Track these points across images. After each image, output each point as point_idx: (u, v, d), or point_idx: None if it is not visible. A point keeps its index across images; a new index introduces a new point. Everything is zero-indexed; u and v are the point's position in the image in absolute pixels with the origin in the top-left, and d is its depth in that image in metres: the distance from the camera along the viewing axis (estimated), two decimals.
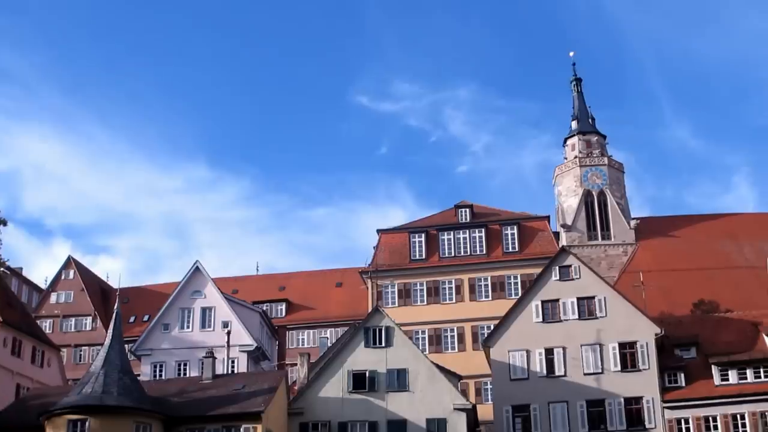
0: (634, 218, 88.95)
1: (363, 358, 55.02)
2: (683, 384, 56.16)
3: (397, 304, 70.75)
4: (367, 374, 54.53)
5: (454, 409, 53.28)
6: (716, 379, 55.90)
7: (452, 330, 69.85)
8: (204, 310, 69.37)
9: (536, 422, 56.64)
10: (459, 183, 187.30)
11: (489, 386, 62.72)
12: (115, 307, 52.05)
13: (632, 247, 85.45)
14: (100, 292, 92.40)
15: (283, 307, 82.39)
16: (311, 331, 79.83)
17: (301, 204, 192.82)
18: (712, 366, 56.24)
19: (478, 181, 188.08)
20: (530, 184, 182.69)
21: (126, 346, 58.35)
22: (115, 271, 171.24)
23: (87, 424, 46.67)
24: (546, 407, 56.69)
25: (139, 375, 60.47)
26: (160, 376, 66.67)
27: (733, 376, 55.70)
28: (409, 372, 54.44)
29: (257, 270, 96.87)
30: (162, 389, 54.12)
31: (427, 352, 63.43)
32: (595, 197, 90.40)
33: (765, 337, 58.03)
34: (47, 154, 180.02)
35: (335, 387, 54.56)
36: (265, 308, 78.08)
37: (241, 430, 48.79)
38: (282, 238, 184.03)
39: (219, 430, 49.15)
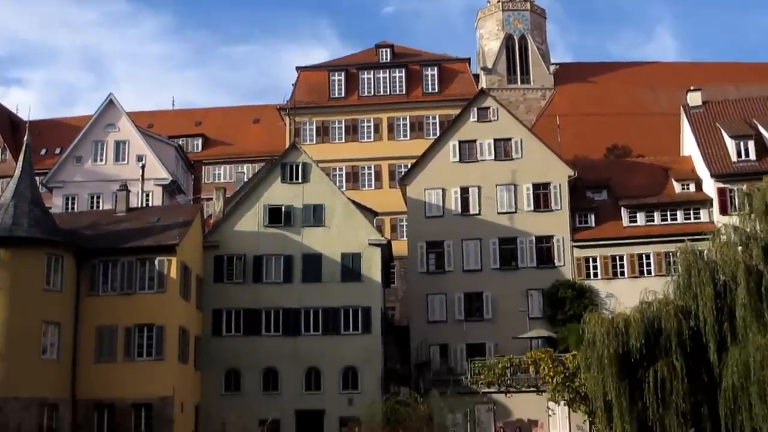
0: (554, 63, 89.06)
1: (279, 193, 55.17)
2: (593, 225, 57.83)
3: (315, 142, 70.41)
4: (283, 209, 54.77)
5: (369, 244, 54.10)
6: (625, 221, 57.60)
7: (369, 168, 70.01)
8: (118, 143, 68.47)
9: (449, 258, 57.95)
10: (384, 24, 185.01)
11: (404, 223, 63.52)
12: (25, 138, 50.47)
13: (550, 91, 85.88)
14: (9, 124, 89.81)
15: (200, 142, 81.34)
16: (228, 166, 79.18)
17: (222, 40, 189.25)
18: (622, 208, 57.86)
19: (403, 23, 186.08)
20: (456, 28, 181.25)
21: (38, 178, 57.54)
22: (26, 103, 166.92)
23: None
24: (459, 244, 57.95)
25: (50, 208, 59.68)
26: (73, 209, 66.01)
27: (641, 218, 57.43)
28: (326, 207, 54.85)
29: (173, 105, 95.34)
30: (74, 222, 53.44)
31: (344, 189, 63.65)
32: (516, 41, 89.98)
33: (674, 181, 59.53)
34: None
35: (251, 221, 54.78)
36: (181, 143, 77.15)
37: (156, 263, 48.58)
38: (202, 75, 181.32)
39: (133, 262, 48.79)
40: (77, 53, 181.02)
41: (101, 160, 68.11)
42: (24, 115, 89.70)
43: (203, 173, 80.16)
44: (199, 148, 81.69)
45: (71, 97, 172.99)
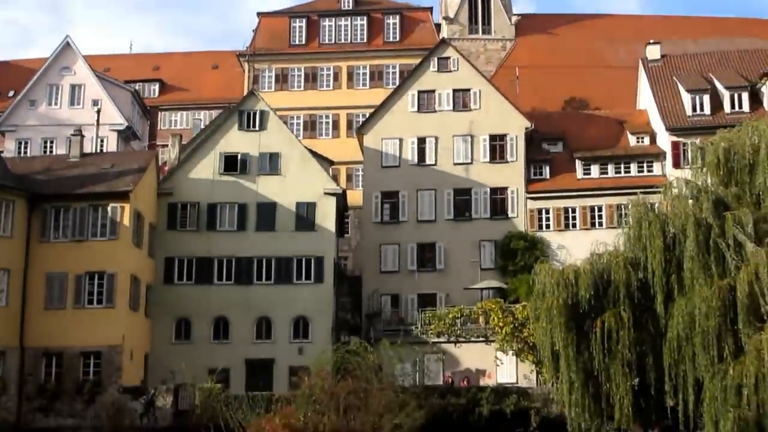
0: (516, 14, 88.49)
1: (236, 140, 54.79)
2: (547, 176, 58.08)
3: (273, 89, 69.89)
4: (239, 157, 54.47)
5: (325, 193, 53.94)
6: (579, 173, 57.90)
7: (327, 117, 69.57)
8: (73, 87, 67.28)
9: (404, 208, 58.03)
10: None
11: (360, 173, 63.26)
12: None
13: (511, 42, 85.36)
14: None
15: (156, 87, 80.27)
16: (184, 112, 78.24)
17: None
18: (576, 160, 58.07)
19: None
20: None
21: None
22: None
23: None
24: (414, 194, 58.03)
25: (2, 152, 58.91)
26: (25, 153, 65.01)
27: (595, 170, 57.73)
28: (282, 156, 54.56)
29: (131, 49, 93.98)
30: (27, 167, 52.83)
31: (301, 137, 63.25)
32: None
33: (629, 134, 59.81)
34: None
35: (206, 169, 54.42)
36: (137, 88, 76.12)
37: (108, 209, 48.29)
38: (161, 18, 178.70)
39: (85, 208, 48.45)
40: None
41: (56, 104, 67.01)
42: None
43: (159, 119, 79.18)
44: (156, 94, 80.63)
45: (27, 38, 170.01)
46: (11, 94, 71.88)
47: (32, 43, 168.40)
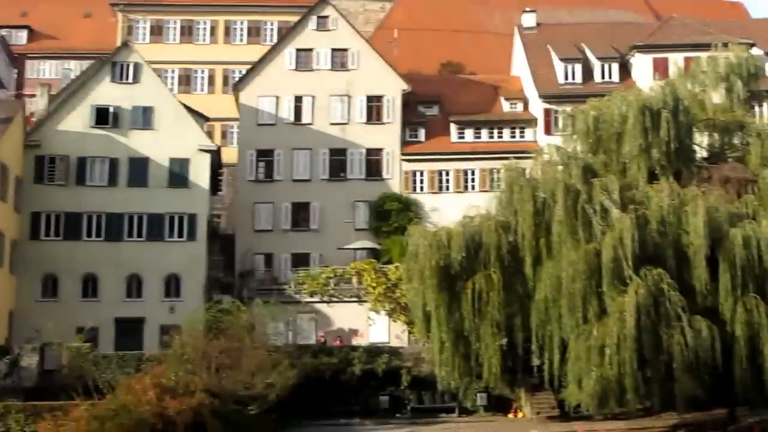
0: None
1: (108, 93, 53.62)
2: (423, 139, 58.64)
3: (148, 41, 68.30)
4: (111, 110, 53.30)
5: (199, 150, 53.28)
6: (453, 137, 58.63)
7: (203, 71, 68.57)
8: None
9: (279, 167, 57.83)
10: None
11: (235, 130, 62.80)
12: None
13: (390, 4, 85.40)
14: None
15: (25, 34, 77.60)
16: (54, 61, 75.82)
17: None
18: (451, 124, 58.77)
19: None
20: None
21: None
22: None
23: None
24: (290, 153, 57.81)
25: None
26: None
27: (469, 134, 58.60)
28: (156, 110, 53.64)
29: None
30: None
31: (175, 92, 62.08)
32: None
33: (503, 100, 60.85)
34: None
35: (77, 121, 53.14)
36: (3, 34, 73.53)
37: None
38: None
39: None
40: None
41: None
42: None
43: (27, 68, 76.75)
44: (24, 41, 77.92)
45: None
46: None
47: None
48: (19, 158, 51.39)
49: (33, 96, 60.92)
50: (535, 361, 38.24)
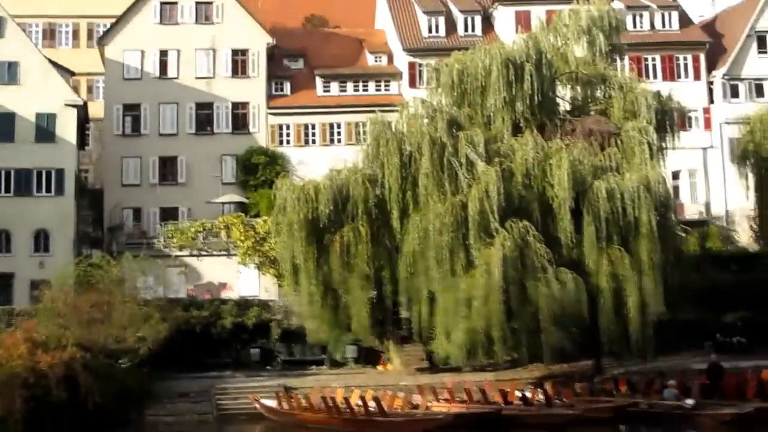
0: None
1: None
2: (289, 93, 56.61)
3: None
4: None
5: (65, 105, 50.42)
6: (319, 90, 56.78)
7: (67, 25, 64.47)
8: None
9: (146, 121, 55.13)
10: None
11: (101, 84, 59.36)
12: None
13: None
14: None
15: None
16: None
17: None
18: (317, 77, 56.95)
19: None
20: None
21: None
22: None
23: None
24: (156, 107, 55.15)
25: None
26: None
27: (334, 88, 56.76)
28: (21, 65, 50.31)
29: None
30: None
31: (40, 46, 58.33)
32: None
33: (367, 53, 59.33)
34: None
35: None
36: None
37: None
38: None
39: None
40: None
41: None
42: None
43: None
44: None
45: None
46: None
47: None
48: None
49: None
50: (404, 314, 37.81)
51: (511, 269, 32.08)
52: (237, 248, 49.15)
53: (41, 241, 48.95)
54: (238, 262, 49.14)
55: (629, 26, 52.60)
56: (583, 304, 32.64)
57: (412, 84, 55.40)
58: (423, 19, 57.95)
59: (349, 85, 56.69)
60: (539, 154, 34.68)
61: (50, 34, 63.64)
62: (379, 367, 42.49)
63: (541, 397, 33.32)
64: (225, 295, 47.57)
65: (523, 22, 54.78)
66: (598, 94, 40.75)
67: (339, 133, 55.52)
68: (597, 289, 33.28)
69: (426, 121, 38.54)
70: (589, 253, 33.57)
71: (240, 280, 49.32)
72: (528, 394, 33.76)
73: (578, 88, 41.11)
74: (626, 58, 47.85)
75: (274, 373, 41.27)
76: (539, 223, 33.70)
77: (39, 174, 49.39)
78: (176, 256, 49.78)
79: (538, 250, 32.56)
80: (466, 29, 57.80)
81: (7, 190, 49.12)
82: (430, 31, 57.49)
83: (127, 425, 34.16)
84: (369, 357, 42.97)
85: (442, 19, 57.80)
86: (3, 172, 49.07)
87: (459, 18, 58.36)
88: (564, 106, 40.84)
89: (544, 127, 37.69)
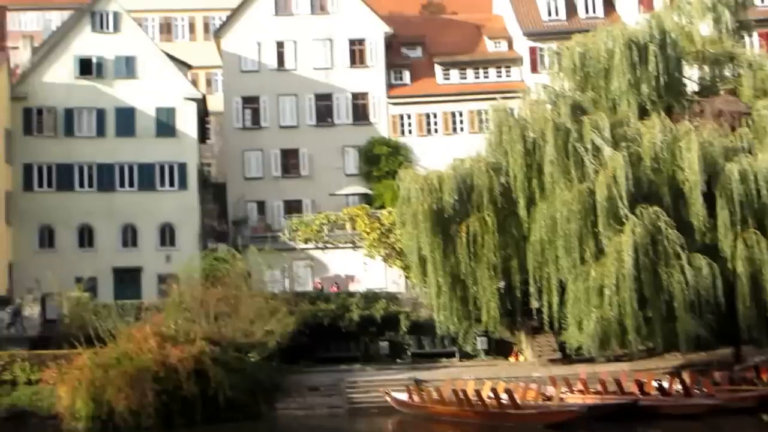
0: None
1: (90, 43, 52.28)
2: (408, 82, 57.56)
3: None
4: (94, 60, 51.99)
5: (184, 98, 52.25)
6: (439, 78, 57.55)
7: (183, 19, 66.94)
8: None
9: (265, 114, 56.81)
10: None
11: (219, 77, 61.56)
12: None
13: None
14: None
15: None
16: (35, 13, 74.00)
17: None
18: (436, 65, 57.67)
19: None
20: None
21: None
22: None
23: None
24: (275, 99, 56.76)
25: None
26: None
27: (454, 75, 57.47)
28: (138, 60, 52.40)
29: None
30: None
31: (157, 40, 60.81)
32: None
33: (486, 39, 59.68)
34: None
35: (61, 72, 51.89)
36: None
37: None
38: None
39: None
40: None
41: None
42: None
43: (8, 20, 74.64)
44: None
45: None
46: None
47: None
48: (6, 111, 50.26)
49: (16, 48, 59.26)
50: (534, 304, 37.79)
51: (642, 256, 32.16)
52: (362, 240, 50.00)
53: (167, 235, 50.97)
54: (365, 254, 49.82)
55: (757, 1, 51.54)
56: (719, 291, 32.57)
57: (534, 69, 55.80)
58: (542, 2, 58.23)
59: (470, 73, 57.34)
60: (667, 137, 34.56)
61: (167, 28, 66.29)
62: (511, 359, 43.21)
63: (679, 386, 33.42)
64: (352, 287, 48.84)
65: (645, 1, 54.86)
66: (727, 73, 40.54)
67: (461, 122, 56.20)
68: (733, 274, 33.13)
69: (549, 106, 38.67)
70: (724, 237, 33.46)
71: (367, 272, 50.17)
72: (665, 384, 33.87)
73: (705, 68, 40.98)
74: (755, 34, 47.39)
75: (404, 366, 42.14)
76: (670, 209, 33.65)
77: (162, 168, 51.46)
78: (302, 249, 51.14)
79: (669, 235, 32.50)
80: (586, 11, 57.96)
81: (131, 185, 51.33)
82: (549, 14, 57.82)
83: (258, 419, 35.38)
84: (500, 348, 43.71)
85: (561, 2, 57.99)
86: (126, 167, 51.28)
87: (579, 0, 58.43)
88: (691, 86, 40.72)
89: (672, 109, 37.71)
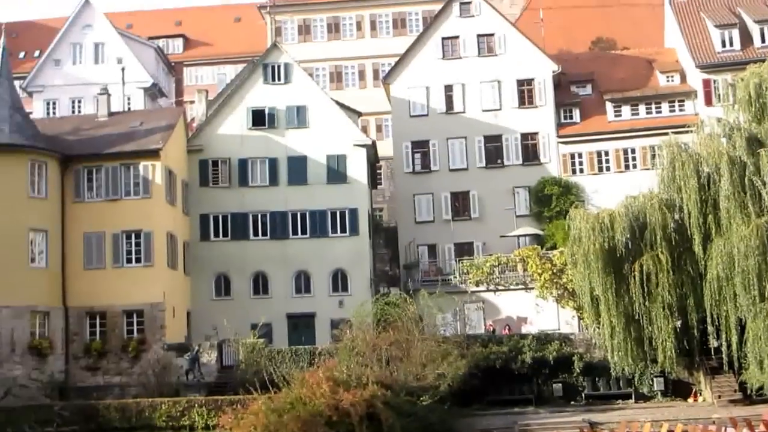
0: None
1: (262, 94, 54.86)
2: (578, 120, 58.01)
3: (297, 41, 69.75)
4: (266, 111, 54.52)
5: (354, 145, 54.00)
6: (610, 115, 57.80)
7: (353, 67, 69.52)
8: (96, 45, 67.64)
9: (435, 157, 58.23)
10: None
11: (389, 123, 63.42)
12: (1, 40, 49.29)
13: None
14: None
15: (180, 42, 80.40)
16: (209, 67, 78.45)
17: None
18: (606, 102, 57.99)
19: None
20: None
21: (17, 82, 56.94)
22: (3, 4, 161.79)
23: None
24: (445, 143, 58.17)
25: (31, 113, 59.31)
26: (53, 113, 65.64)
27: (626, 112, 57.59)
28: (309, 108, 54.58)
29: (151, 4, 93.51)
30: (56, 127, 52.94)
31: (327, 89, 63.30)
32: None
33: (658, 74, 59.56)
34: None
35: (235, 124, 54.64)
36: (161, 44, 76.34)
37: (140, 167, 48.26)
38: None
39: (117, 168, 48.36)
40: None
41: (80, 62, 67.41)
42: (3, 17, 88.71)
43: (184, 75, 79.48)
44: (180, 50, 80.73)
45: None
46: (37, 53, 72.31)
47: (58, 2, 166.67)
48: (183, 163, 53.19)
49: (192, 102, 63.00)
50: (713, 343, 37.60)
51: None
52: (534, 281, 50.47)
53: (339, 280, 52.62)
54: (536, 296, 50.29)
55: None
56: None
57: (708, 102, 55.49)
58: (715, 34, 57.85)
59: (641, 108, 57.37)
60: None
61: (337, 77, 68.99)
62: (689, 400, 42.48)
63: None
64: (524, 329, 49.33)
65: None
66: None
67: (634, 158, 56.19)
68: None
69: (724, 140, 38.71)
70: None
71: (539, 313, 50.60)
72: None
73: None
74: None
75: (578, 408, 42.04)
76: None
77: (333, 214, 53.27)
78: (473, 292, 51.95)
79: None
80: (762, 40, 57.32)
81: (304, 232, 53.26)
82: (723, 45, 57.36)
83: None
84: (677, 389, 43.02)
85: (735, 32, 57.51)
86: (299, 214, 53.33)
87: (754, 29, 57.78)
88: None
89: None
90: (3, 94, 47.99)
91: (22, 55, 75.25)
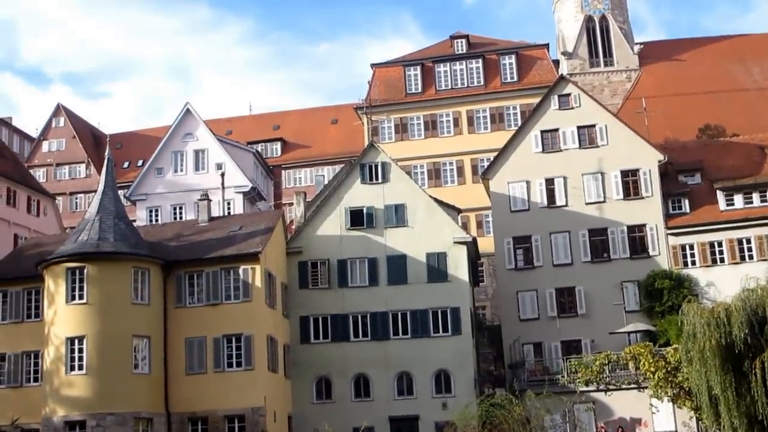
0: (637, 43, 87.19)
1: (360, 194, 54.92)
2: (687, 210, 56.49)
3: (393, 140, 70.31)
4: (364, 211, 54.53)
5: (454, 242, 53.45)
6: (721, 204, 56.10)
7: (451, 163, 69.60)
8: (197, 152, 69.14)
9: (538, 253, 57.20)
10: (468, 15, 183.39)
11: (489, 219, 62.76)
12: (106, 152, 51.25)
13: (636, 72, 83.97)
14: (92, 139, 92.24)
15: (278, 146, 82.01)
16: (307, 169, 79.73)
17: (305, 40, 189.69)
18: (717, 191, 56.38)
19: (486, 12, 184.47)
20: (544, 14, 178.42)
21: (121, 192, 58.35)
22: (113, 116, 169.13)
23: (85, 271, 46.51)
24: (548, 237, 57.20)
25: (134, 221, 60.54)
26: (156, 220, 67.02)
27: (738, 200, 55.88)
28: (407, 207, 54.41)
29: (250, 110, 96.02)
30: (158, 233, 54.20)
31: (425, 186, 63.36)
32: (597, 22, 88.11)
33: None
34: (43, 1, 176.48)
35: (333, 225, 54.67)
36: (259, 148, 77.76)
37: (240, 271, 48.61)
38: (282, 77, 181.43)
39: (217, 272, 48.87)
40: (162, 63, 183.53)
41: (181, 170, 68.94)
42: (110, 129, 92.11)
43: (283, 178, 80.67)
44: (278, 153, 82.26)
45: (158, 107, 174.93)
46: (140, 163, 74.26)
47: (164, 111, 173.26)
48: (283, 265, 53.34)
49: (290, 204, 63.62)
50: None
51: None
52: (647, 380, 48.79)
53: (442, 381, 51.59)
54: (651, 396, 48.56)
55: None
56: None
57: None
58: None
59: (755, 196, 55.53)
60: None
61: (435, 174, 69.19)
62: None
63: None
64: (640, 431, 47.52)
65: None
66: None
67: (749, 249, 54.33)
68: None
69: None
70: None
71: (654, 414, 48.70)
72: None
73: None
74: None
75: None
76: None
77: (435, 314, 52.51)
78: (582, 392, 50.22)
79: None
80: None
81: (405, 332, 52.61)
82: None
83: None
84: None
85: None
86: (399, 314, 52.77)
87: None
88: None
89: None
90: (108, 205, 49.37)
91: (126, 164, 77.68)
